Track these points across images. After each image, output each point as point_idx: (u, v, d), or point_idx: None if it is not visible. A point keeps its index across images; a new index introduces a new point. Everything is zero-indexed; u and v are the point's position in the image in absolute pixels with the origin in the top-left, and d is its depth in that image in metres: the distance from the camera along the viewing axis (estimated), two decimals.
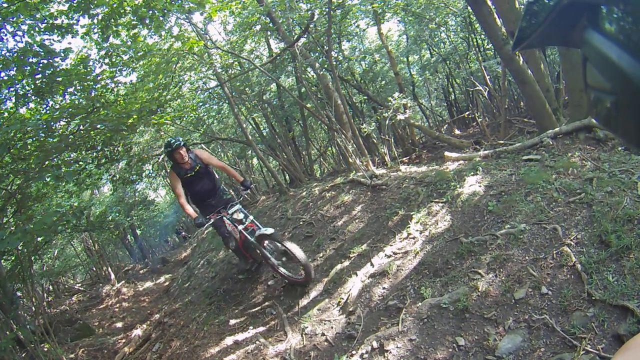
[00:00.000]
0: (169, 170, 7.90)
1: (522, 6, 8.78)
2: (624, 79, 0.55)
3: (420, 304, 4.51)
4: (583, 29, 0.63)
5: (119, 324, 10.91)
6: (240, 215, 6.79)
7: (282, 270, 6.72)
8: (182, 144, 6.75)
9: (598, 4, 0.59)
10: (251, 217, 6.87)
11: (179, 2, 7.93)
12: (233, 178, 7.61)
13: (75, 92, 7.50)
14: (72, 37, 7.23)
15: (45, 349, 7.20)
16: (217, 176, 8.03)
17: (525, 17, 0.71)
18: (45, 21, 6.86)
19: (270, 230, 6.30)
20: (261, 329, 6.08)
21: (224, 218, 6.91)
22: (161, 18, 7.64)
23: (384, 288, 5.25)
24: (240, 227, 6.70)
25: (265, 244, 6.66)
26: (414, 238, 5.98)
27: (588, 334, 3.24)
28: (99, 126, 7.16)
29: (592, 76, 0.65)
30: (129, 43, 8.32)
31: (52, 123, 6.67)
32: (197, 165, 7.03)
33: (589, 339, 3.20)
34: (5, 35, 7.00)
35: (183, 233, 34.00)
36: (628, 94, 0.56)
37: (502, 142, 9.53)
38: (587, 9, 0.62)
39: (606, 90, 0.61)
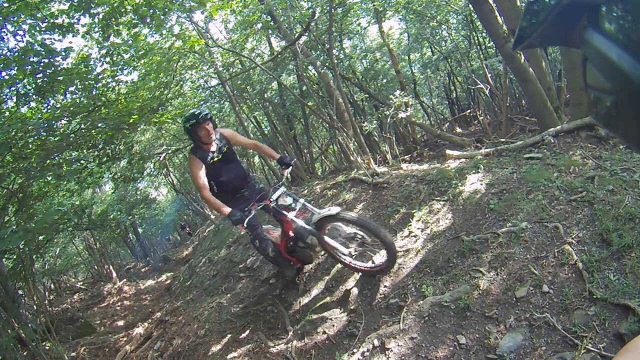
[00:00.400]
0: (188, 155, 6.13)
1: (523, 4, 8.77)
2: (624, 79, 0.55)
3: (421, 302, 4.51)
4: (583, 29, 0.63)
5: (121, 322, 10.95)
6: (288, 200, 5.34)
7: (351, 261, 5.51)
8: (209, 116, 5.35)
9: (598, 4, 0.58)
10: (302, 201, 5.40)
11: (180, 0, 7.94)
12: (268, 157, 6.13)
13: (77, 91, 7.52)
14: (73, 37, 7.23)
15: (47, 348, 7.23)
16: None
17: (526, 17, 0.71)
18: (46, 20, 6.87)
19: (335, 209, 5.00)
20: (262, 327, 6.09)
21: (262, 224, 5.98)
22: (162, 17, 7.66)
23: (385, 286, 5.25)
24: (291, 214, 5.29)
25: (327, 231, 5.37)
26: (415, 236, 5.98)
27: (589, 332, 3.25)
28: (100, 125, 7.16)
29: (592, 76, 0.64)
30: (130, 42, 8.34)
31: (53, 122, 6.70)
32: (224, 146, 5.60)
33: (590, 338, 3.20)
34: (6, 34, 7.03)
35: (187, 229, 33.14)
36: (628, 94, 0.56)
37: (503, 140, 9.53)
38: (587, 9, 0.61)
39: (606, 90, 0.61)
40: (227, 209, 4.93)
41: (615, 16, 0.55)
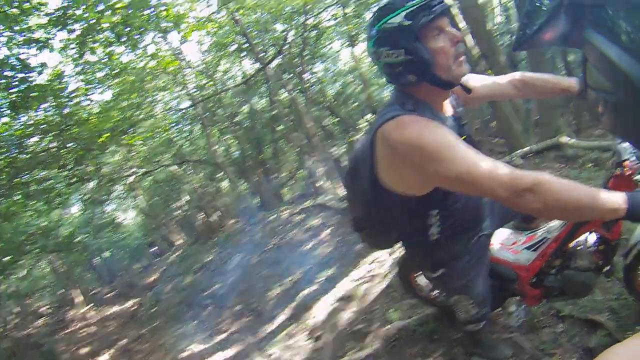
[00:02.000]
0: (393, 119, 1.52)
1: (496, 26, 8.94)
2: (624, 79, 0.58)
3: (388, 326, 4.50)
4: (583, 29, 0.65)
5: (85, 350, 10.72)
6: None
7: None
8: (448, 7, 1.56)
9: (598, 4, 0.61)
10: None
11: (156, 20, 7.95)
12: (551, 95, 2.05)
13: (50, 108, 7.43)
14: (50, 52, 7.12)
15: None
16: None
17: (525, 18, 0.72)
18: (24, 34, 6.79)
19: None
20: (229, 355, 6.03)
21: None
22: (138, 36, 7.64)
23: (351, 312, 5.24)
24: None
25: None
26: (382, 261, 5.99)
27: (558, 349, 3.28)
28: (70, 144, 7.08)
29: (592, 76, 0.66)
30: (105, 60, 8.29)
31: (24, 139, 6.60)
32: (462, 113, 1.97)
33: (559, 355, 3.23)
34: None
35: (156, 248, 29.42)
36: (628, 93, 0.59)
37: None
38: (587, 9, 0.64)
39: (606, 90, 0.63)
40: None
41: (615, 16, 0.58)
